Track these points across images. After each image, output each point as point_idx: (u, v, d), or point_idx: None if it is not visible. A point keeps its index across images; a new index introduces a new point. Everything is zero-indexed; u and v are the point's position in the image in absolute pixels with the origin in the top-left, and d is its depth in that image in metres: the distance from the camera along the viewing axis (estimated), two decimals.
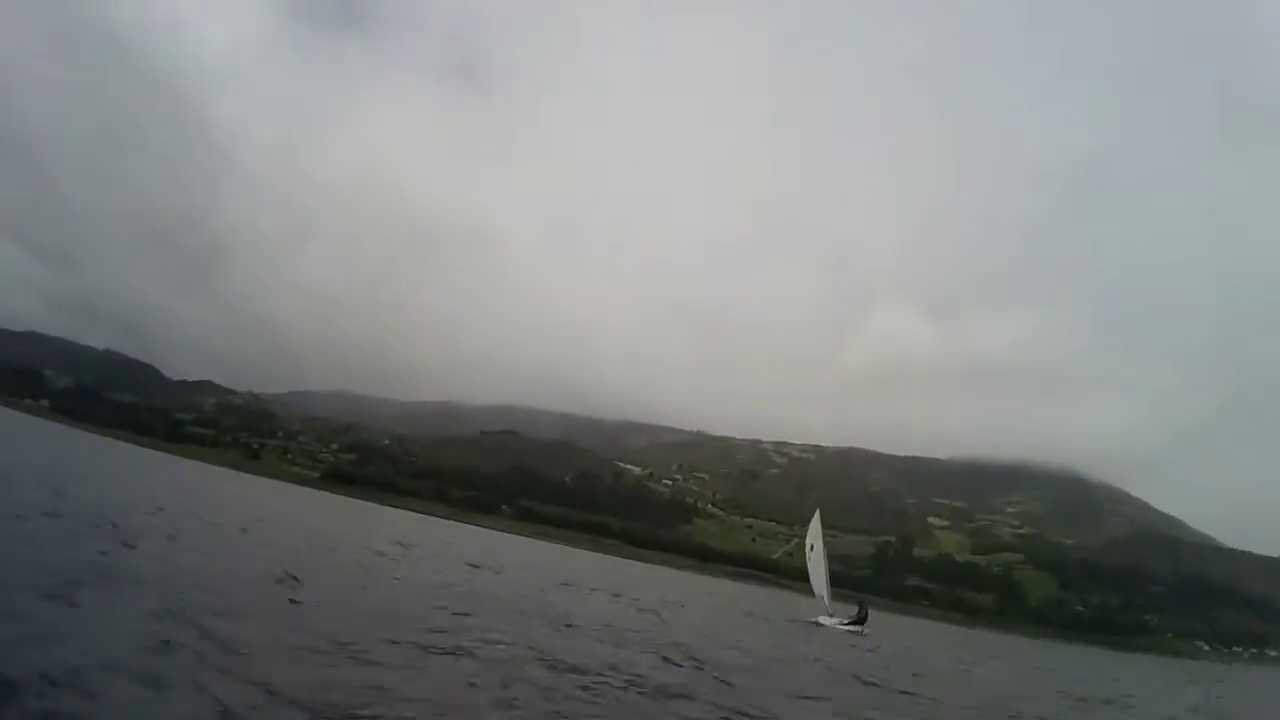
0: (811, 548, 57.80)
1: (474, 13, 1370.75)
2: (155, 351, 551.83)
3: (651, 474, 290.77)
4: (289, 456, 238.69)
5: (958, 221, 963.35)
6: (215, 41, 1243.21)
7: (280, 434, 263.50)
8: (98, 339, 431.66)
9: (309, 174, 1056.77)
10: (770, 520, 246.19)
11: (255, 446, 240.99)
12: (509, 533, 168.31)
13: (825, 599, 55.28)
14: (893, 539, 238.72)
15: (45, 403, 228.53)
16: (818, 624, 49.10)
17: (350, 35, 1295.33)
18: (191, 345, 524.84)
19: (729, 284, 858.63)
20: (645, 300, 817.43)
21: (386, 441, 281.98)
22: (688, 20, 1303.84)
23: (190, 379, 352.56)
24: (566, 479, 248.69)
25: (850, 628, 48.58)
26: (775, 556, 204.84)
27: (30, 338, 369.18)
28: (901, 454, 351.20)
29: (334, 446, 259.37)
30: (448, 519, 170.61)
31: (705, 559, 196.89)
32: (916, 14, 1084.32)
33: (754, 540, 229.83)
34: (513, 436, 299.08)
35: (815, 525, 58.50)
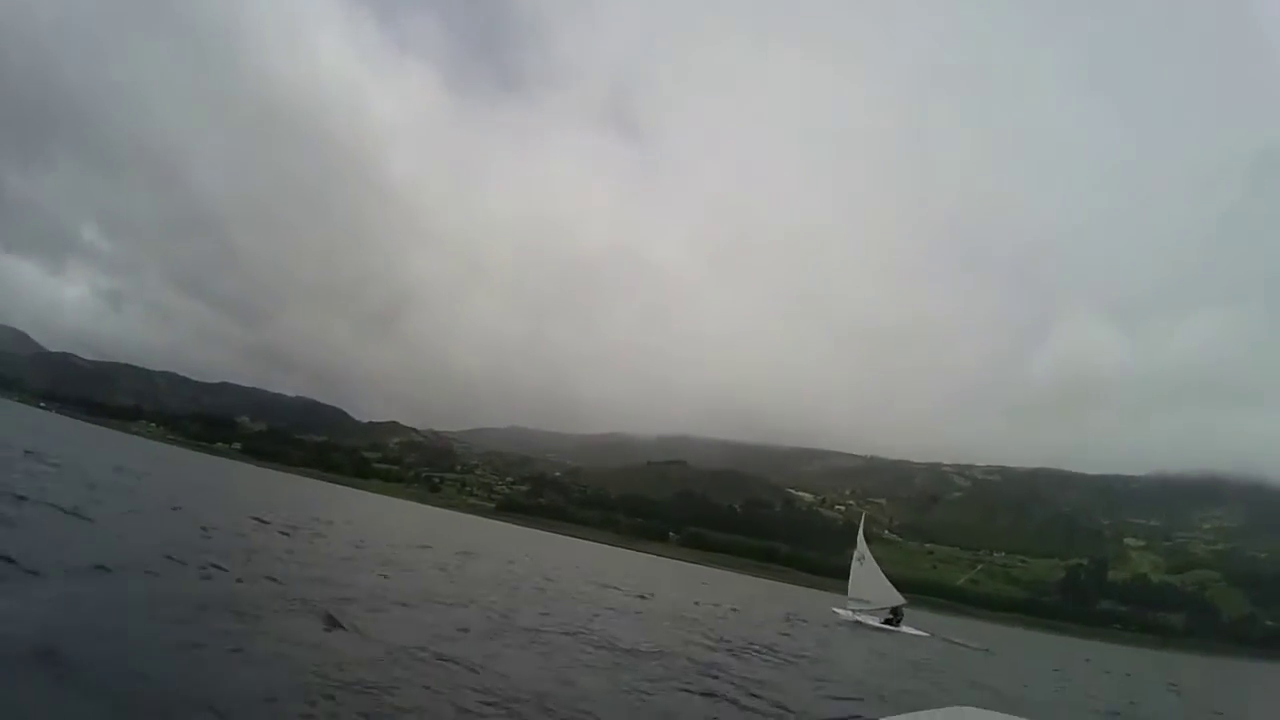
0: (862, 560, 57.92)
1: (625, 61, 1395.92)
2: (344, 396, 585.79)
3: (824, 500, 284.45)
4: (467, 489, 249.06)
5: (1140, 223, 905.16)
6: (388, 109, 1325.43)
7: (459, 468, 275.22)
8: (289, 387, 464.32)
9: (479, 224, 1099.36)
10: (953, 545, 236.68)
11: (436, 480, 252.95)
12: (676, 559, 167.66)
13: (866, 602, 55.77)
14: (1085, 562, 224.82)
15: (237, 446, 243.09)
16: (856, 620, 52.42)
17: (509, 95, 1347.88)
18: (377, 389, 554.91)
19: (900, 302, 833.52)
20: (812, 323, 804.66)
21: (558, 473, 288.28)
22: (841, 36, 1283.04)
23: (377, 420, 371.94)
24: (735, 506, 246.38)
25: (886, 625, 51.23)
26: (959, 583, 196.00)
27: (224, 388, 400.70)
28: (1093, 472, 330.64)
29: (509, 479, 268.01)
30: (615, 545, 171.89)
31: None
32: (1084, 14, 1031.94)
33: (934, 567, 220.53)
34: (680, 466, 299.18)
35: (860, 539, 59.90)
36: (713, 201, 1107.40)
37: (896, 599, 54.75)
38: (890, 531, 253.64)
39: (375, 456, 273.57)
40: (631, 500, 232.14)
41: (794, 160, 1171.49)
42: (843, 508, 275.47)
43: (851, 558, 58.13)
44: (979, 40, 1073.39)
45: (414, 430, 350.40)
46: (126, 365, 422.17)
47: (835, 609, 58.10)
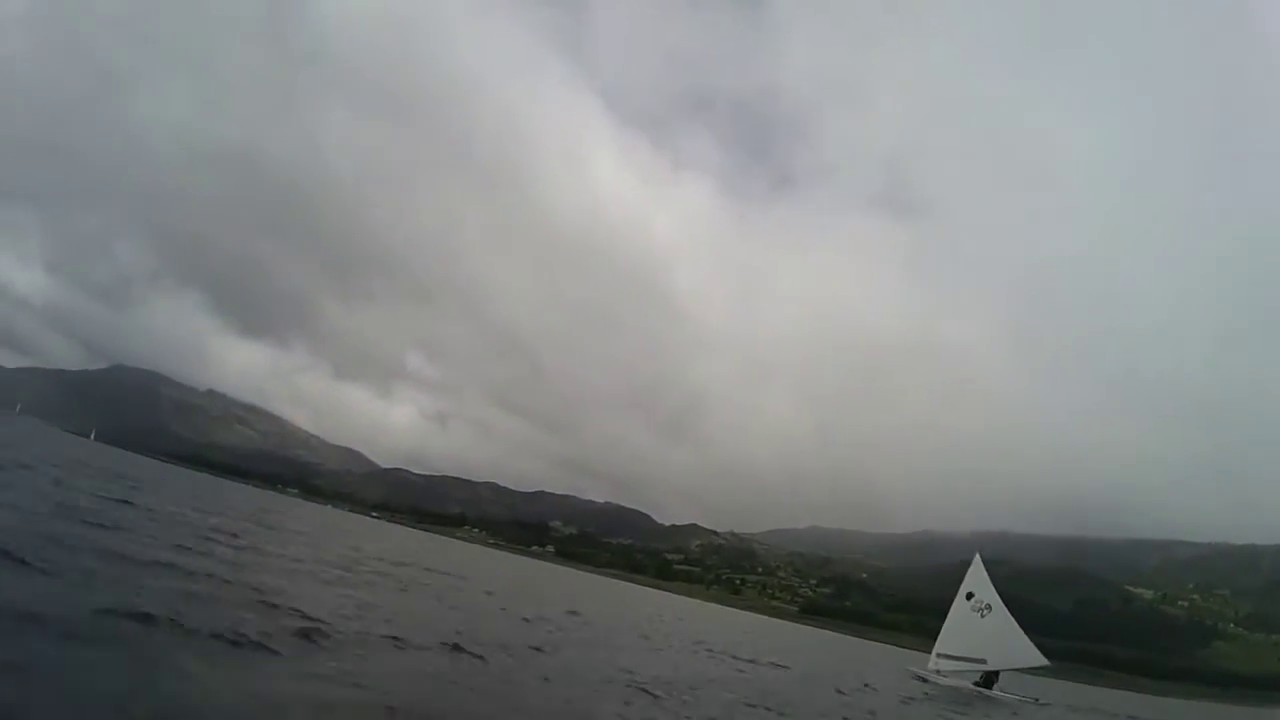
0: (988, 608, 47.46)
1: (900, 142, 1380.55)
2: (647, 499, 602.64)
3: (1165, 595, 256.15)
4: (769, 591, 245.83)
5: None
6: (668, 222, 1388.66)
7: (760, 570, 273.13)
8: (597, 493, 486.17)
9: (764, 321, 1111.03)
10: None
11: (738, 582, 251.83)
12: None
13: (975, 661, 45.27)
14: None
15: (550, 548, 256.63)
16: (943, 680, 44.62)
17: (784, 192, 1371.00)
18: (677, 491, 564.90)
19: (1233, 369, 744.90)
20: (1139, 401, 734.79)
21: (863, 575, 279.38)
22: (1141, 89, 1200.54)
23: (679, 523, 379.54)
24: (1064, 607, 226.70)
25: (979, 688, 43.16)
26: None
27: (539, 496, 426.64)
28: None
29: (812, 581, 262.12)
30: (926, 652, 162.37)
31: (1226, 685, 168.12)
32: None
33: None
34: (998, 565, 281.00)
35: (980, 573, 50.07)
36: (1011, 276, 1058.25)
37: (1033, 659, 45.21)
38: (1235, 625, 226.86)
39: (677, 558, 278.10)
40: (945, 603, 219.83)
41: (1096, 226, 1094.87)
42: (1185, 603, 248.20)
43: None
44: None
45: (714, 533, 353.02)
46: (453, 478, 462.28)
47: (912, 668, 49.95)
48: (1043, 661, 44.99)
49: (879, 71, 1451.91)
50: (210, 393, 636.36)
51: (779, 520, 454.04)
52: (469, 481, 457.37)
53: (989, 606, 47.27)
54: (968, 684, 43.62)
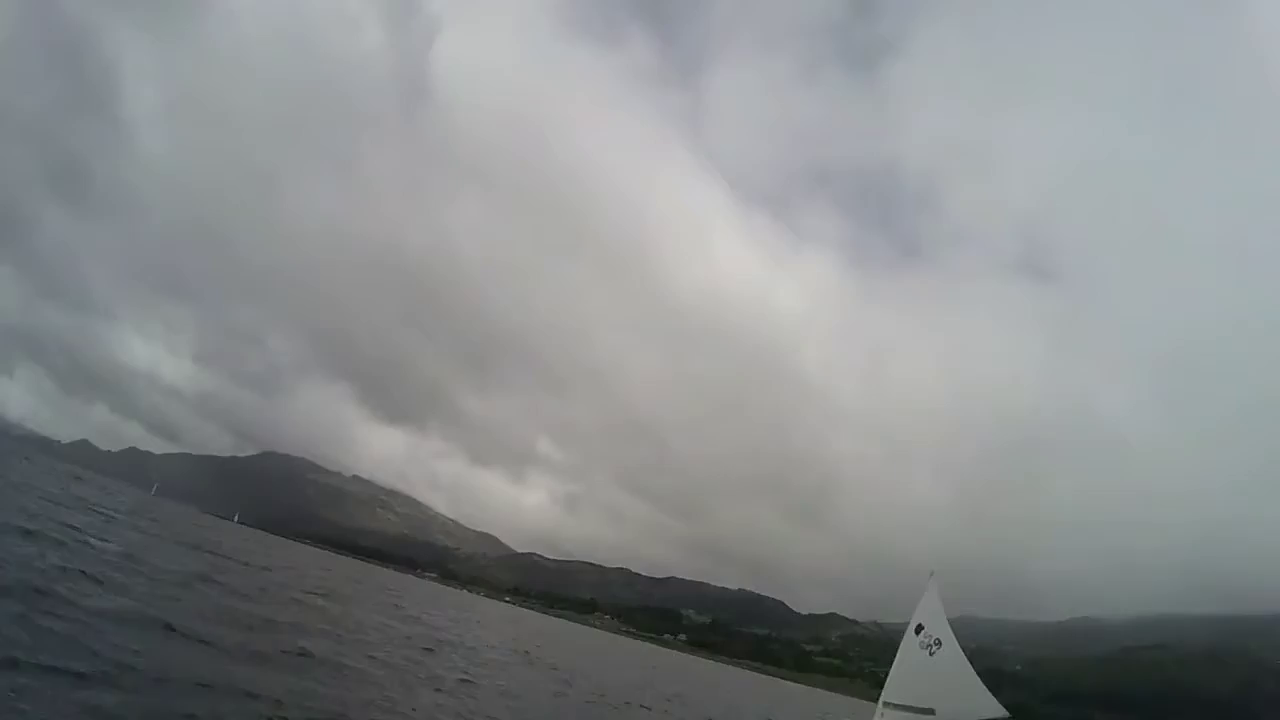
0: (938, 644, 36.91)
1: (1033, 207, 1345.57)
2: (782, 586, 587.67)
3: None
4: None
5: None
6: (792, 297, 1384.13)
7: None
8: (730, 580, 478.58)
9: (897, 396, 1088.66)
10: None
11: (882, 676, 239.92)
12: None
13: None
14: None
15: (683, 637, 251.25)
16: None
17: (911, 262, 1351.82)
18: (814, 578, 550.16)
19: None
20: None
21: (1018, 666, 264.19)
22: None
23: (817, 612, 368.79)
24: (1226, 689, 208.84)
25: None
26: None
27: (670, 582, 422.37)
28: None
29: None
30: None
31: None
32: None
33: None
34: (1159, 650, 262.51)
35: (933, 601, 38.54)
36: (1160, 343, 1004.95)
37: (989, 709, 34.88)
38: None
39: (816, 650, 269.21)
40: (1102, 694, 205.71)
41: (1246, 289, 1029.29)
42: None
43: None
44: None
45: (855, 622, 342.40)
46: (584, 563, 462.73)
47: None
48: (1001, 713, 35.29)
49: (1005, 135, 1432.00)
50: (355, 478, 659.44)
51: None
52: (599, 566, 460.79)
53: (938, 641, 37.62)
54: None
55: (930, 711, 35.14)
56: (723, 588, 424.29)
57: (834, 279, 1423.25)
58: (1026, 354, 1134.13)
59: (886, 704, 36.88)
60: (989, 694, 35.28)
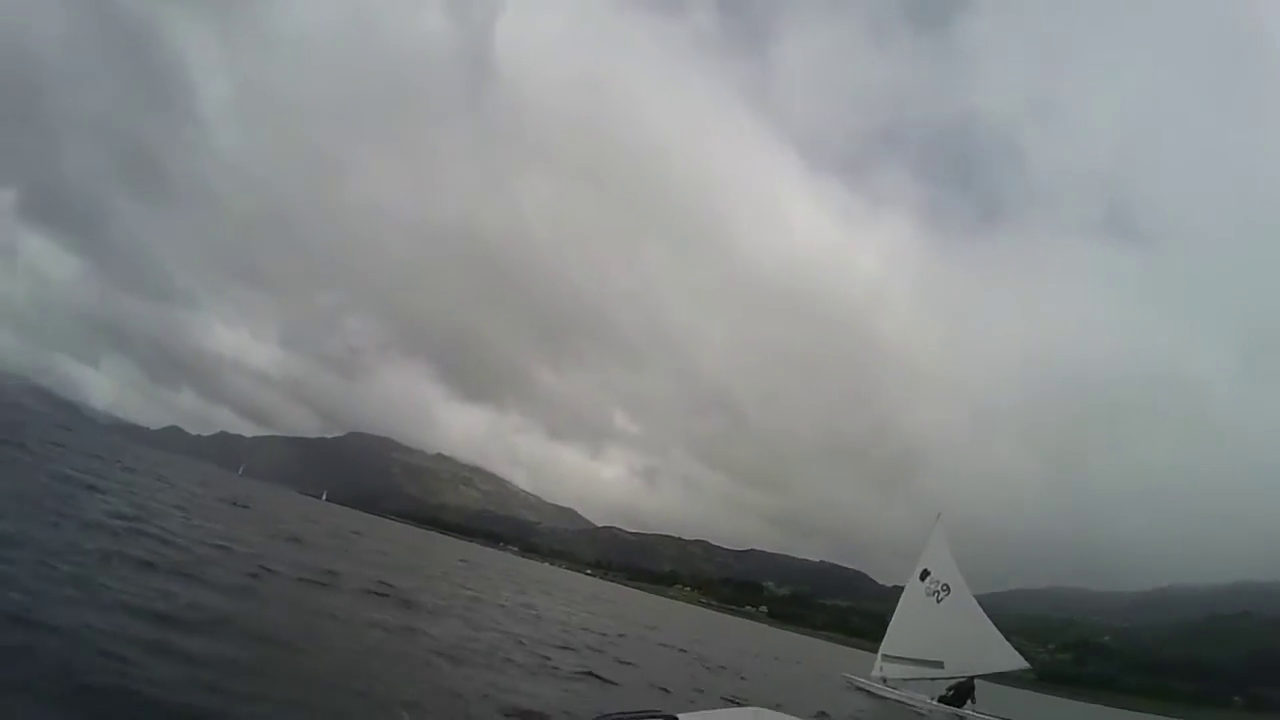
0: (945, 589, 34.71)
1: (1116, 163, 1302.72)
2: (863, 558, 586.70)
3: None
4: None
5: None
6: (869, 263, 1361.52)
7: None
8: (811, 551, 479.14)
9: (980, 361, 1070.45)
10: None
11: None
12: None
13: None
14: None
15: (763, 609, 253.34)
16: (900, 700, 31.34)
17: (991, 224, 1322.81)
18: (896, 550, 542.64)
19: None
20: None
21: (1105, 637, 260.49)
22: None
23: (900, 583, 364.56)
24: None
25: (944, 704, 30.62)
26: None
27: (750, 554, 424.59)
28: None
29: (1050, 646, 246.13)
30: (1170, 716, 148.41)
31: None
32: None
33: None
34: (1246, 618, 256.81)
35: (939, 544, 36.43)
36: (1250, 301, 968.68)
37: (1008, 660, 33.22)
38: None
39: None
40: (1188, 663, 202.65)
41: None
42: None
43: None
44: None
45: None
46: (664, 535, 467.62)
47: (849, 675, 35.72)
48: (1022, 664, 34.36)
49: (1083, 86, 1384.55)
50: (438, 455, 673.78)
51: (1012, 580, 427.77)
52: (679, 539, 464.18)
53: (945, 587, 35.04)
54: (926, 699, 31.69)
55: (938, 664, 32.90)
56: (804, 559, 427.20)
57: (911, 243, 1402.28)
58: (1110, 317, 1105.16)
59: (886, 656, 34.80)
60: (1006, 643, 33.77)
